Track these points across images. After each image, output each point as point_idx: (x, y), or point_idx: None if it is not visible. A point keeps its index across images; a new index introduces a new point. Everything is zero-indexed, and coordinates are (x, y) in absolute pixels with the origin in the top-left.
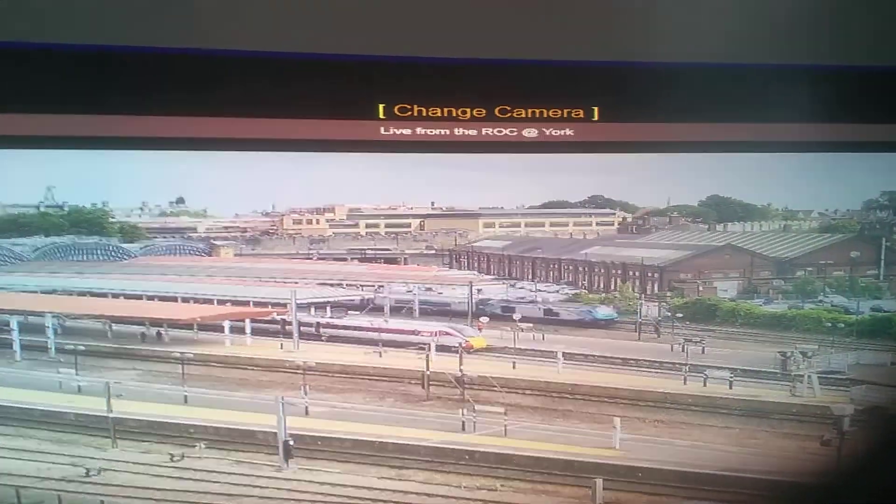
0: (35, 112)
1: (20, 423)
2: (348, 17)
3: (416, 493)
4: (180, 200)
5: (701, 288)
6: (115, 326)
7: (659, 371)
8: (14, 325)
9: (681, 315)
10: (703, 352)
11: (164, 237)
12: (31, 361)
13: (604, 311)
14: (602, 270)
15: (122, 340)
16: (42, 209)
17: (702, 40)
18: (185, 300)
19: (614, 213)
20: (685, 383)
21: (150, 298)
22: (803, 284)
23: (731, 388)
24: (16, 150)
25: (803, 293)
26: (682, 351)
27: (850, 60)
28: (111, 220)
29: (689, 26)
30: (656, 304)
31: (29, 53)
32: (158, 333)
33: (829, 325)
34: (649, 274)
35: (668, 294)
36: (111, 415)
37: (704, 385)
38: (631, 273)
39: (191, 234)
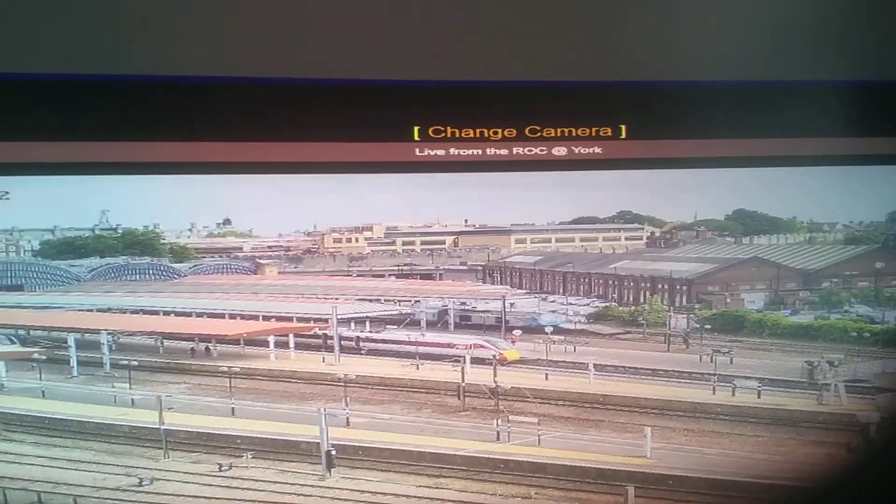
0: (91, 140)
1: (77, 436)
2: (385, 45)
3: (453, 501)
4: (227, 222)
5: (728, 300)
6: (166, 342)
7: (688, 381)
8: (71, 342)
9: (709, 326)
10: (731, 362)
11: (212, 257)
12: (87, 376)
13: (547, 318)
14: (631, 284)
15: (172, 356)
16: (97, 232)
17: (726, 58)
18: (231, 317)
19: (642, 228)
20: (714, 393)
21: (199, 315)
22: (829, 295)
23: (759, 397)
24: (73, 176)
25: (829, 304)
26: (711, 361)
27: (875, 75)
28: (162, 241)
29: (713, 45)
30: (685, 315)
31: (83, 84)
32: (207, 348)
33: (855, 334)
34: (678, 286)
35: (697, 306)
36: (163, 427)
37: (733, 394)
38: (660, 286)
39: (237, 254)
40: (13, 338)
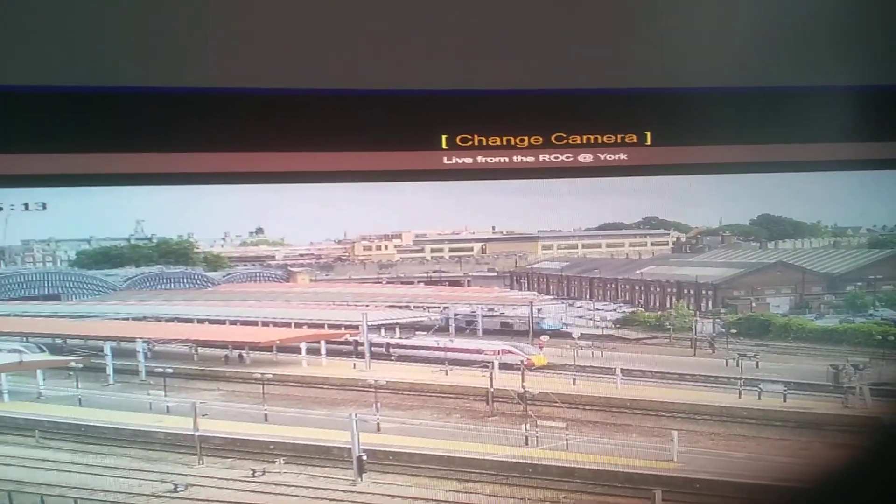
0: (126, 151)
1: (113, 443)
2: (413, 55)
3: None
4: (259, 230)
5: (754, 304)
6: (200, 350)
7: (714, 385)
8: (107, 350)
9: (735, 331)
10: (757, 366)
11: (245, 265)
12: (123, 384)
13: (549, 322)
14: (658, 289)
15: (207, 363)
16: (132, 242)
17: (749, 65)
18: (264, 324)
19: (668, 234)
20: (740, 397)
21: (233, 323)
22: (853, 299)
23: (784, 400)
24: (108, 187)
25: (853, 307)
26: (737, 365)
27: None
28: (196, 250)
29: (737, 52)
30: (711, 320)
31: (119, 97)
32: (240, 356)
33: (880, 338)
34: (703, 291)
35: (723, 310)
36: (197, 433)
37: (759, 398)
38: (686, 291)
39: (269, 262)
40: (42, 346)
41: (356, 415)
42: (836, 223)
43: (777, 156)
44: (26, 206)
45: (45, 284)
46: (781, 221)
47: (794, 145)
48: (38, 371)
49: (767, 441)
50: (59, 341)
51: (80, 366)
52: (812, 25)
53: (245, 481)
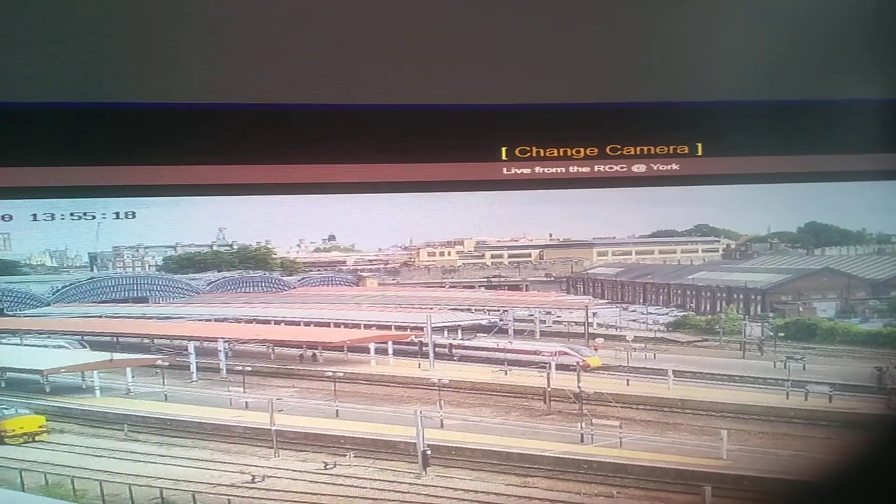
0: (211, 164)
1: (196, 436)
2: (475, 72)
3: (540, 500)
4: (332, 238)
5: (801, 308)
6: (276, 349)
7: (763, 386)
8: (191, 349)
9: (782, 334)
10: (803, 368)
11: (318, 270)
12: (205, 381)
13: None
14: (708, 294)
15: (282, 361)
16: (214, 248)
17: (797, 78)
18: (336, 325)
19: (718, 241)
20: (787, 397)
21: (307, 324)
22: None
23: (830, 401)
24: (193, 197)
25: None
26: (784, 367)
27: None
28: (273, 256)
29: (785, 65)
30: (759, 324)
31: (204, 113)
32: (314, 355)
33: None
34: (752, 296)
35: (771, 315)
36: (274, 427)
37: (805, 399)
38: (735, 296)
39: (341, 267)
40: (83, 342)
41: (421, 412)
42: (880, 231)
43: (824, 166)
44: (117, 214)
45: (135, 288)
46: (828, 229)
47: (841, 156)
48: (128, 369)
49: (813, 440)
50: (146, 341)
51: (167, 364)
52: (859, 39)
53: (317, 473)
